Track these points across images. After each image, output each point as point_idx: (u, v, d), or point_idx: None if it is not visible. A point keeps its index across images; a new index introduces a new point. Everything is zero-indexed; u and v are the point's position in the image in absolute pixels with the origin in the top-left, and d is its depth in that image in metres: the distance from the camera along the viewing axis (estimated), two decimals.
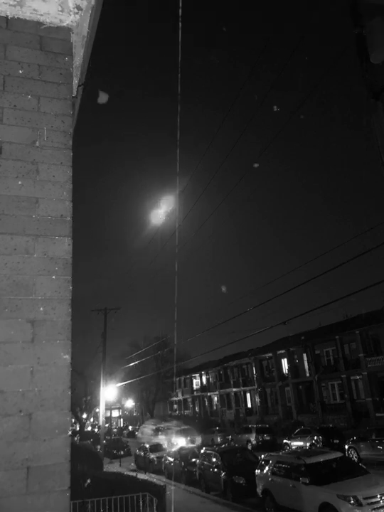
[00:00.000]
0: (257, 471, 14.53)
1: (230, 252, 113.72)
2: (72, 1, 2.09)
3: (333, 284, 78.30)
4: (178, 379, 65.43)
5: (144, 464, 26.19)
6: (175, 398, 66.51)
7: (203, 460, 18.33)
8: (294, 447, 24.84)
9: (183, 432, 32.51)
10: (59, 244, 1.85)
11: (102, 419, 30.84)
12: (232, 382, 52.40)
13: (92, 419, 66.06)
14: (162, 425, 37.68)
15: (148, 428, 38.65)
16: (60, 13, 2.14)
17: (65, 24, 2.20)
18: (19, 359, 1.65)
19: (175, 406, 67.07)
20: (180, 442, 29.32)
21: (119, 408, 74.89)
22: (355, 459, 20.30)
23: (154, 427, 37.19)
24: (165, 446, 28.33)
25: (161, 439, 33.05)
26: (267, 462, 14.27)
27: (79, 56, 2.25)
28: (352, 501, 10.35)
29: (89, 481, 11.79)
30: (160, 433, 35.43)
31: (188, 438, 30.86)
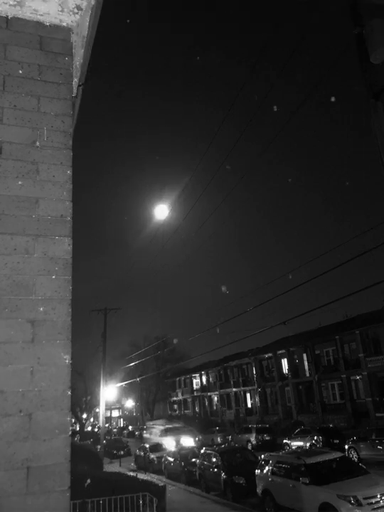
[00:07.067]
0: (257, 471, 14.52)
1: (230, 252, 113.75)
2: (72, 1, 2.09)
3: (333, 284, 78.33)
4: (178, 379, 65.43)
5: (144, 464, 26.19)
6: (175, 398, 66.50)
7: (203, 460, 18.33)
8: (294, 447, 24.82)
9: (168, 431, 32.49)
10: (59, 244, 1.85)
11: (102, 419, 30.83)
12: (232, 382, 52.38)
13: (92, 419, 66.05)
14: (150, 424, 38.31)
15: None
16: (60, 13, 2.14)
17: (65, 24, 2.20)
18: (19, 359, 1.65)
19: (175, 406, 67.10)
20: (167, 441, 29.21)
21: (119, 408, 74.91)
22: (355, 459, 20.29)
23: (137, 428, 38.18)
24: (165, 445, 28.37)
25: (146, 437, 33.60)
26: (267, 462, 14.27)
27: (79, 56, 2.25)
28: (352, 501, 10.35)
29: (89, 481, 11.80)
30: (145, 432, 36.00)
31: (173, 437, 30.69)
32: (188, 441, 30.15)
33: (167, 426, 34.77)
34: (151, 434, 34.34)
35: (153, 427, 35.73)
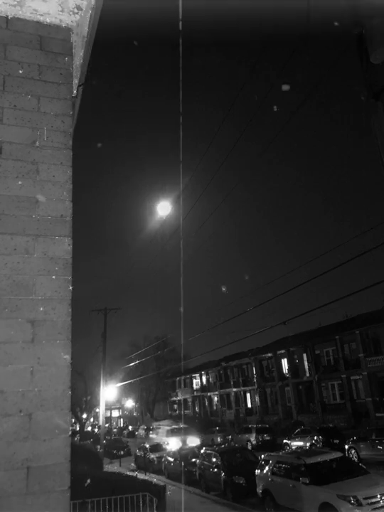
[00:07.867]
0: (257, 471, 14.52)
1: (231, 252, 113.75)
2: (72, 1, 2.09)
3: (333, 284, 78.37)
4: (178, 379, 65.40)
5: (144, 464, 26.20)
6: (175, 398, 66.48)
7: (203, 460, 18.33)
8: (294, 447, 24.82)
9: (174, 432, 32.75)
10: (59, 244, 1.85)
11: (102, 419, 30.82)
12: (232, 382, 52.36)
13: (92, 419, 66.02)
14: (155, 424, 38.83)
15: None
16: (60, 13, 2.14)
17: (65, 24, 2.20)
18: (19, 359, 1.65)
19: (175, 406, 67.09)
20: (173, 442, 29.44)
21: (119, 408, 74.83)
22: (355, 459, 20.29)
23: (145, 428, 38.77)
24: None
25: (152, 438, 34.02)
26: (267, 462, 14.27)
27: (79, 56, 2.25)
28: (352, 501, 10.35)
29: (89, 481, 11.80)
30: (151, 432, 36.49)
31: (179, 437, 30.86)
32: (194, 442, 30.36)
33: (173, 426, 35.01)
34: (157, 434, 34.60)
35: (159, 428, 36.04)
